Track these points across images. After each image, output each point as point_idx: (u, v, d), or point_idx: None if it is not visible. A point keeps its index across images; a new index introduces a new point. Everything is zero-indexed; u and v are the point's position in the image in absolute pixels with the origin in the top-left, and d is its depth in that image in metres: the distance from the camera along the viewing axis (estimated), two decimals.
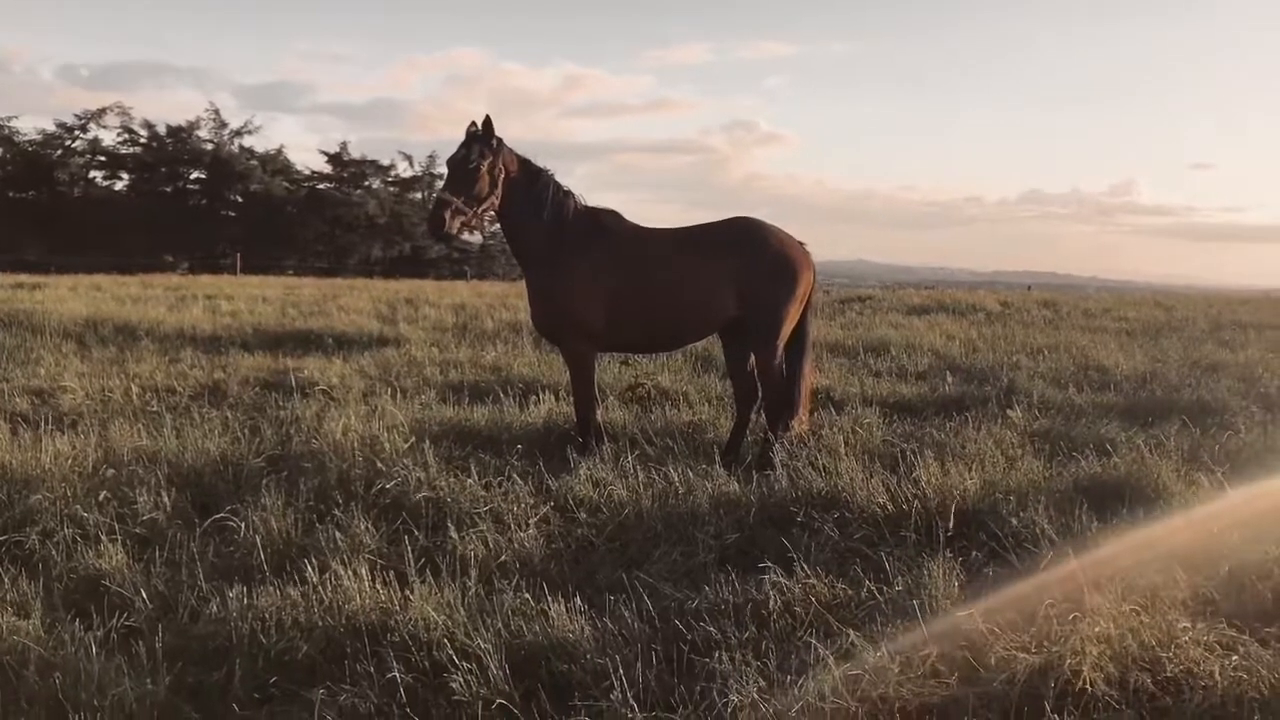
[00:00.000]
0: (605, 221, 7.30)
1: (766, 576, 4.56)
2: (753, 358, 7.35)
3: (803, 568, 4.67)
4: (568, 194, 7.21)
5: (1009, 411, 8.42)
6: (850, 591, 4.53)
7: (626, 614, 4.27)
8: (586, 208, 7.31)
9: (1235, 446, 7.32)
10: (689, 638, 4.07)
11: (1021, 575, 4.67)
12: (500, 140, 6.99)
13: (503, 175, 6.97)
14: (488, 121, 6.92)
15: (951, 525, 5.31)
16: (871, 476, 6.09)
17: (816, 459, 6.54)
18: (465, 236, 7.21)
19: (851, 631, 4.01)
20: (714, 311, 7.17)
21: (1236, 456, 7.07)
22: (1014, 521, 5.33)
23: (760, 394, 7.38)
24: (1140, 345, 13.92)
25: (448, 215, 6.81)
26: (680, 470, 6.25)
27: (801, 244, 7.46)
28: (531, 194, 7.10)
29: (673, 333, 7.43)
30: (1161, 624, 4.05)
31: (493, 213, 7.07)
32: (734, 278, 7.05)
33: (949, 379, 10.50)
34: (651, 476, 6.20)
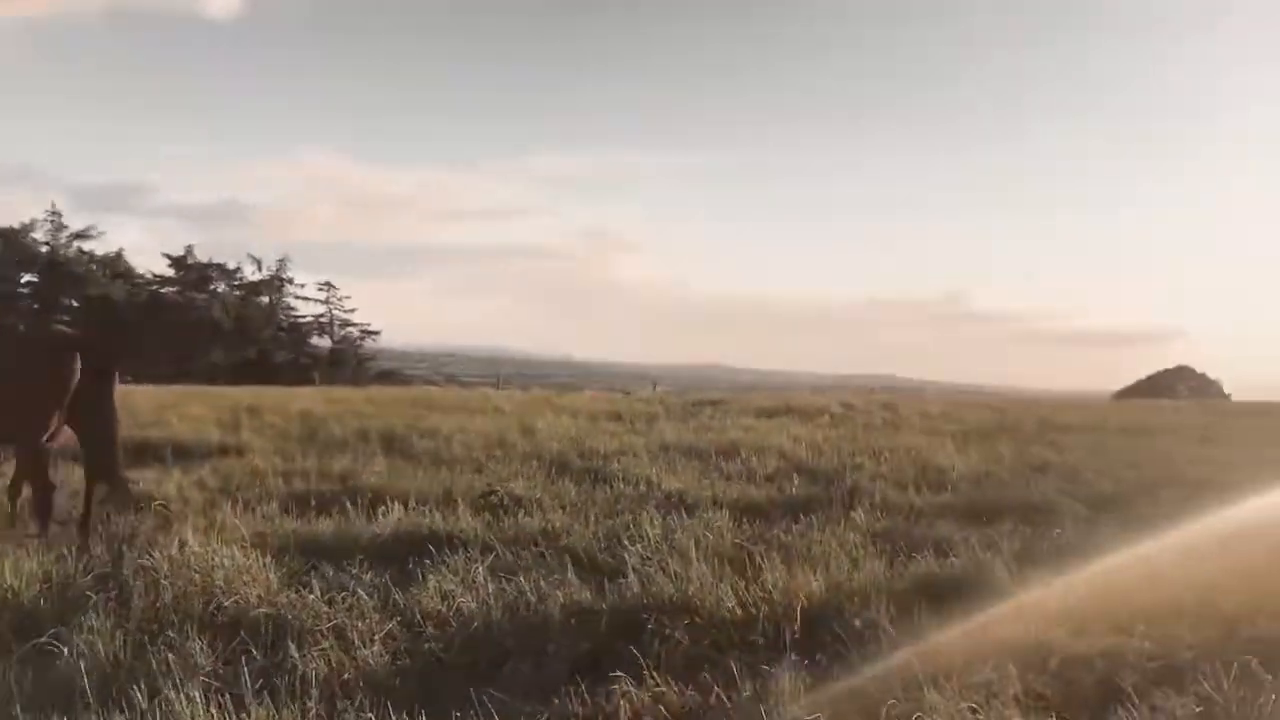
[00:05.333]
0: None
1: (616, 687, 4.54)
2: None
3: (653, 676, 4.67)
4: None
5: (852, 513, 8.67)
6: (700, 698, 4.54)
7: None
8: None
9: (1061, 544, 7.70)
10: None
11: (864, 675, 4.78)
12: None
13: None
14: None
15: (798, 628, 5.40)
16: (721, 580, 6.17)
17: (668, 564, 6.58)
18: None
19: None
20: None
21: (1063, 552, 7.42)
22: (857, 622, 5.45)
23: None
24: (975, 447, 14.56)
25: None
26: (532, 579, 6.20)
27: (54, 341, 8.38)
28: None
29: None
30: (994, 719, 4.20)
31: None
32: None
33: (795, 481, 10.75)
34: (502, 587, 6.13)
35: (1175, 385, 73.49)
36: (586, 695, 4.54)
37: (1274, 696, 4.52)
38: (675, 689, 4.58)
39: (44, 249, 56.10)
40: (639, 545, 7.27)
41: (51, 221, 56.83)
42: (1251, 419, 23.10)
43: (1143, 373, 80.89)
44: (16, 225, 55.52)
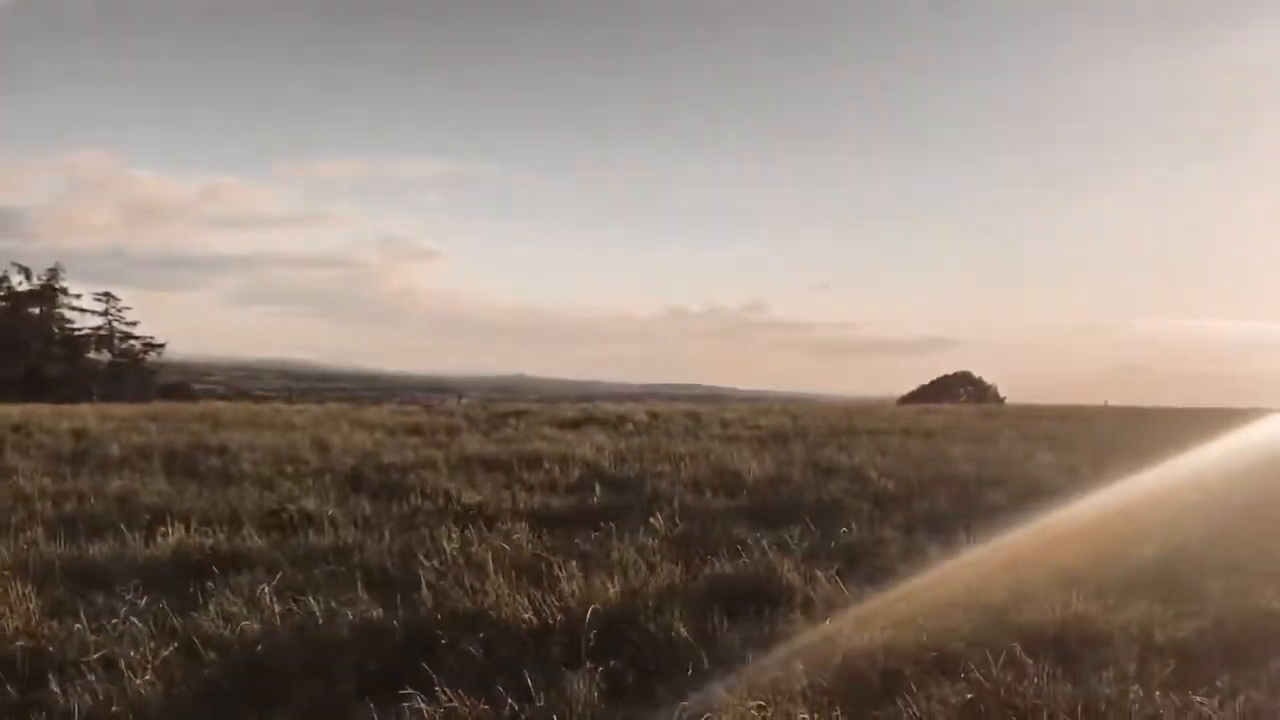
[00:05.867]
0: None
1: (407, 704, 4.43)
2: None
3: (444, 692, 4.58)
4: None
5: (651, 519, 8.77)
6: (492, 711, 4.48)
7: None
8: None
9: (848, 542, 8.02)
10: None
11: (659, 679, 4.83)
12: None
13: None
14: None
15: (594, 635, 5.41)
16: (518, 592, 6.12)
17: (464, 578, 6.48)
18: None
19: None
20: None
21: (849, 551, 7.74)
22: (652, 627, 5.51)
23: None
24: (770, 451, 15.02)
25: None
26: (322, 598, 5.99)
27: None
28: None
29: None
30: (780, 716, 4.32)
31: None
32: None
33: (598, 490, 10.81)
34: (290, 607, 5.89)
35: (955, 389, 78.07)
36: (376, 714, 4.41)
37: (1037, 680, 4.83)
38: (468, 703, 4.50)
39: None
40: (435, 560, 7.14)
41: None
42: (1022, 419, 24.74)
43: (925, 378, 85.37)
44: None
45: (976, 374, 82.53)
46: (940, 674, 5.03)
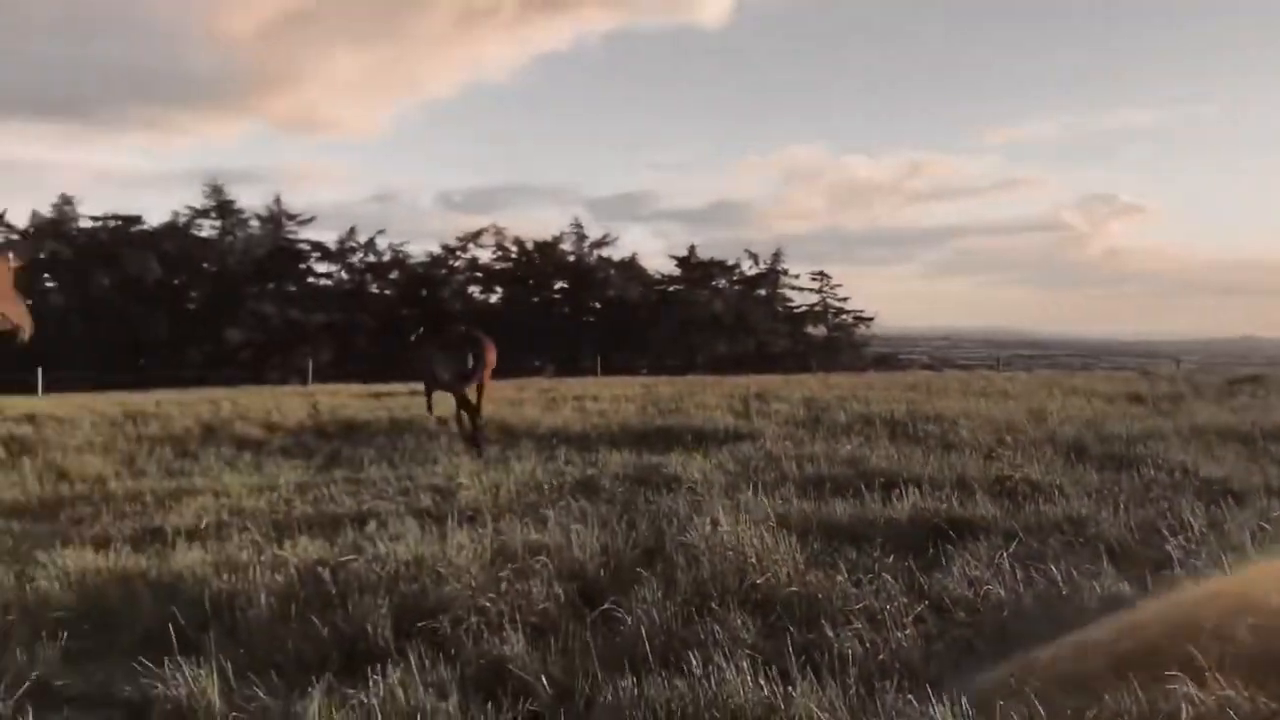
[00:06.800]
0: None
1: (1174, 687, 4.20)
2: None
3: (1215, 678, 4.26)
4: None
5: None
6: (1275, 707, 4.07)
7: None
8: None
9: None
10: None
11: None
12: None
13: None
14: None
15: None
16: None
17: (1222, 558, 5.98)
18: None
19: None
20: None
21: None
22: None
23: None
24: None
25: None
26: (1062, 568, 5.93)
27: (477, 337, 14.20)
28: None
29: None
30: None
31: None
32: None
33: None
34: (1030, 575, 5.91)
35: None
36: (1140, 693, 4.24)
37: None
38: (1244, 694, 4.13)
39: (570, 258, 62.91)
40: (1180, 536, 6.68)
41: (575, 233, 63.71)
42: None
43: None
44: (549, 238, 62.94)
45: None
46: None
